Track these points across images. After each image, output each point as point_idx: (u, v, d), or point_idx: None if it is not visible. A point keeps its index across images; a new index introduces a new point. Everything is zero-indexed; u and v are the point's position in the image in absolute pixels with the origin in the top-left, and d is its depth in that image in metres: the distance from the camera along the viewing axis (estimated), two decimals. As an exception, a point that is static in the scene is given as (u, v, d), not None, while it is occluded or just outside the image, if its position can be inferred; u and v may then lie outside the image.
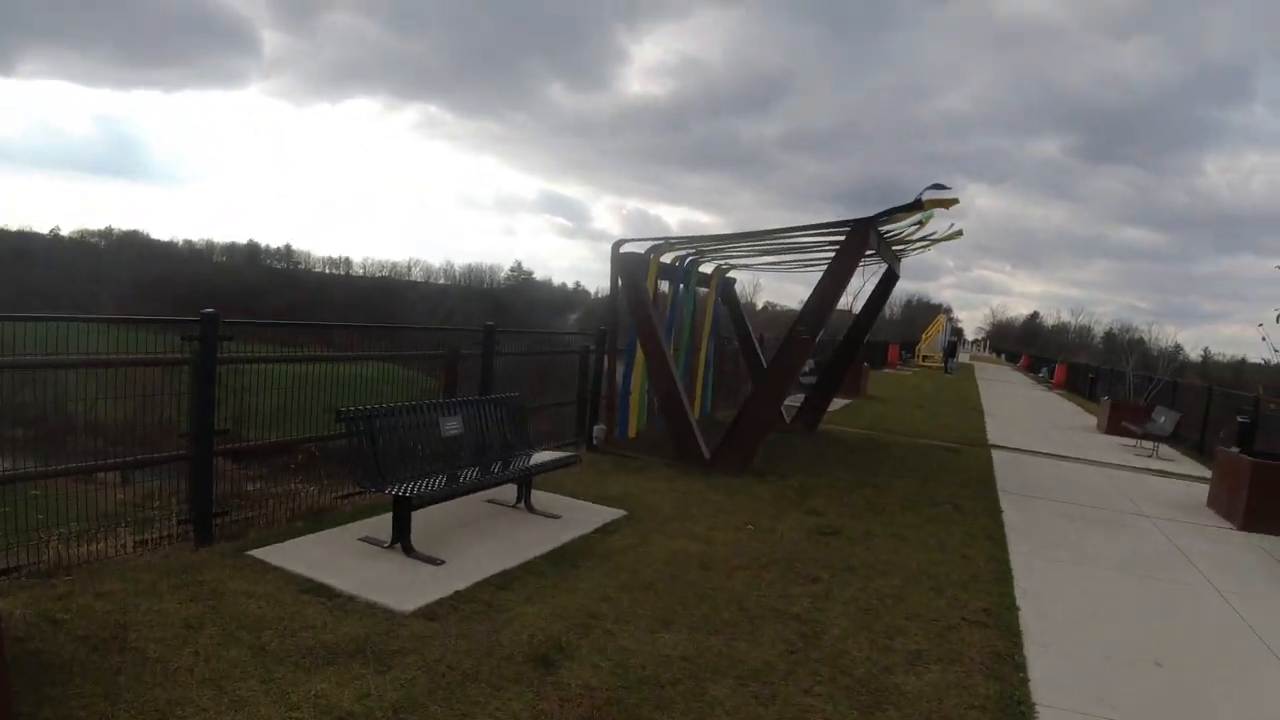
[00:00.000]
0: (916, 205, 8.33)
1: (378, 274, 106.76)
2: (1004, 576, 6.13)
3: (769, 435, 9.77)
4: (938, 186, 8.26)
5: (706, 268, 11.96)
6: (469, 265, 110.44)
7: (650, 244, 9.64)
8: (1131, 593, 6.16)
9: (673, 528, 6.51)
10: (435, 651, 3.93)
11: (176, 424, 5.49)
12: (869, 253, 9.91)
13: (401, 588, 4.71)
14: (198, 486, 5.44)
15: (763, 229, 8.94)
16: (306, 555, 5.15)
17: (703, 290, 12.32)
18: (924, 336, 50.54)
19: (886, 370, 36.58)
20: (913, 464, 10.97)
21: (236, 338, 5.70)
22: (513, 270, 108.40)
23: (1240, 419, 11.59)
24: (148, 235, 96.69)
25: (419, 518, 5.44)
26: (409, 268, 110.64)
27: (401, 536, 5.27)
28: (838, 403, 18.02)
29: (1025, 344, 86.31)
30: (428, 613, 4.39)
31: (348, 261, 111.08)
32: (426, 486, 5.35)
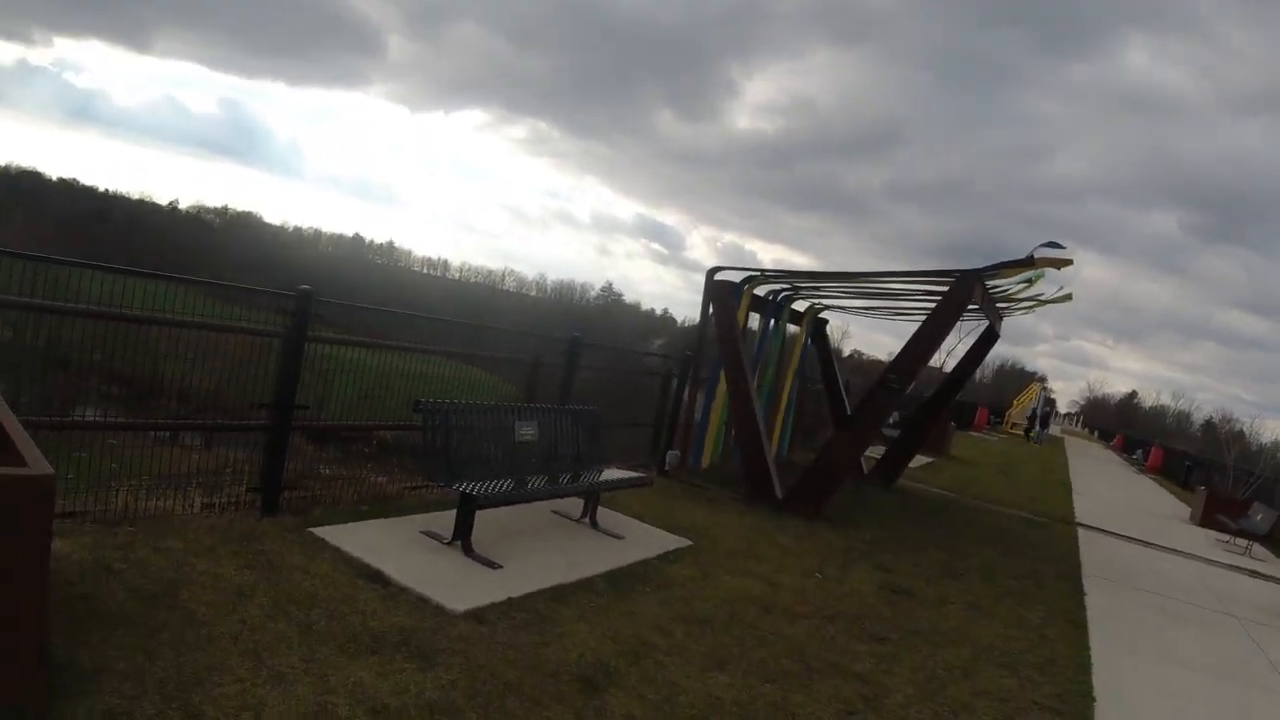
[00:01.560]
0: (1028, 262, 7.98)
1: (473, 279, 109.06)
2: (1082, 663, 5.72)
3: (845, 483, 9.45)
4: (1052, 244, 7.91)
5: (799, 305, 11.72)
6: (561, 281, 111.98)
7: (745, 275, 9.48)
8: (1213, 696, 5.73)
9: (737, 564, 6.29)
10: (480, 656, 3.81)
11: (259, 399, 5.56)
12: (971, 307, 9.55)
13: (455, 586, 4.62)
14: (271, 458, 5.48)
15: (861, 270, 8.69)
16: (366, 540, 5.12)
17: (793, 328, 12.08)
18: (1016, 403, 48.88)
19: (972, 433, 35.45)
20: (993, 532, 10.48)
21: (328, 320, 5.77)
22: (603, 290, 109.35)
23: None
24: (260, 217, 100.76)
25: (481, 519, 5.37)
26: (503, 276, 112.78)
27: (462, 535, 5.20)
28: (919, 460, 17.44)
29: (1121, 423, 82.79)
30: (478, 615, 4.29)
31: (446, 264, 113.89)
32: (494, 488, 5.28)
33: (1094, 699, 5.08)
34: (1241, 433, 27.13)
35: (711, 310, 9.28)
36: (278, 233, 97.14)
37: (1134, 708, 5.12)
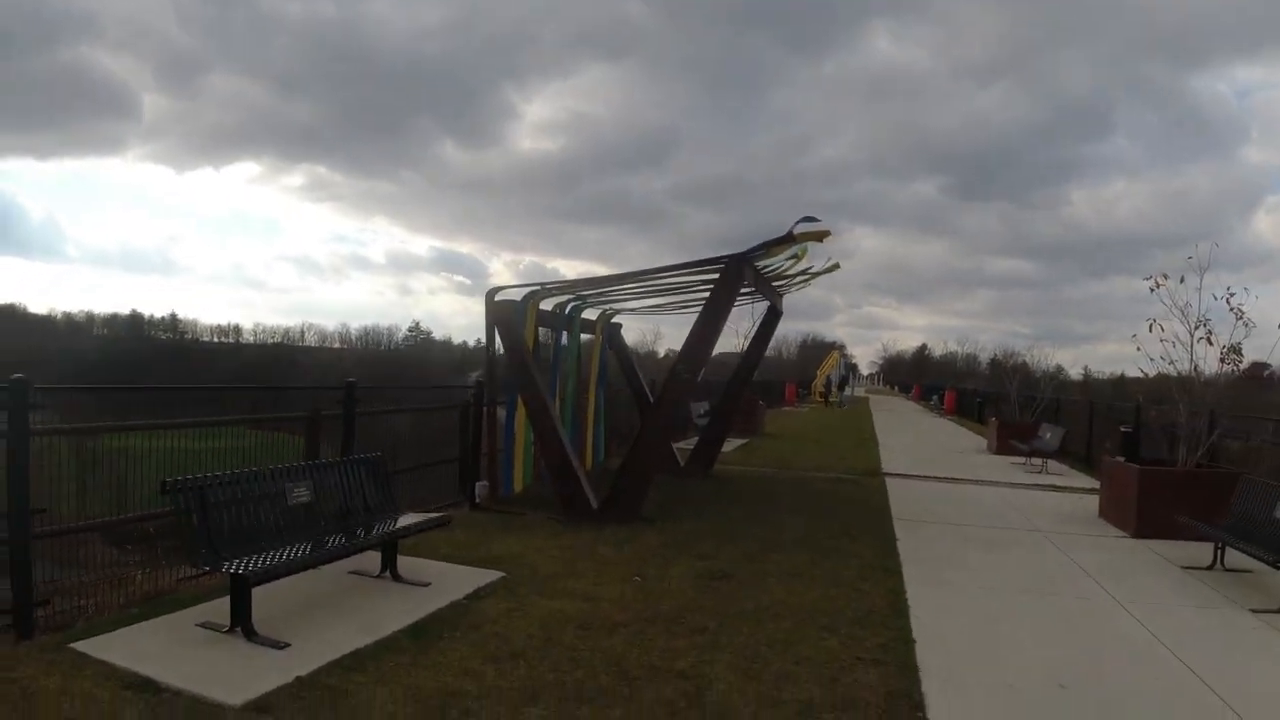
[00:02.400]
0: (788, 239, 8.24)
1: (269, 341, 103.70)
2: (900, 609, 5.91)
3: (658, 480, 9.47)
4: (808, 219, 8.20)
5: (591, 314, 11.68)
6: (365, 328, 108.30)
7: (527, 290, 9.30)
8: (1030, 614, 6.02)
9: (554, 586, 6.08)
10: (261, 752, 3.41)
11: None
12: (749, 289, 9.79)
13: (236, 677, 4.16)
14: (15, 574, 4.79)
15: (639, 269, 8.71)
16: (135, 646, 4.57)
17: (589, 337, 12.03)
18: (819, 373, 51.45)
19: (784, 408, 36.96)
20: (808, 499, 10.82)
21: (53, 405, 5.13)
22: (410, 331, 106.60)
23: (1123, 429, 11.88)
24: (25, 309, 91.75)
25: (267, 597, 4.92)
26: (302, 333, 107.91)
27: (242, 619, 4.71)
28: (734, 442, 17.91)
29: (916, 375, 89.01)
30: (261, 704, 3.86)
31: (237, 330, 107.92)
32: (269, 560, 4.81)
33: (913, 640, 5.20)
34: (1024, 364, 29.54)
35: (497, 332, 9.02)
36: (44, 323, 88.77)
37: (953, 641, 5.27)
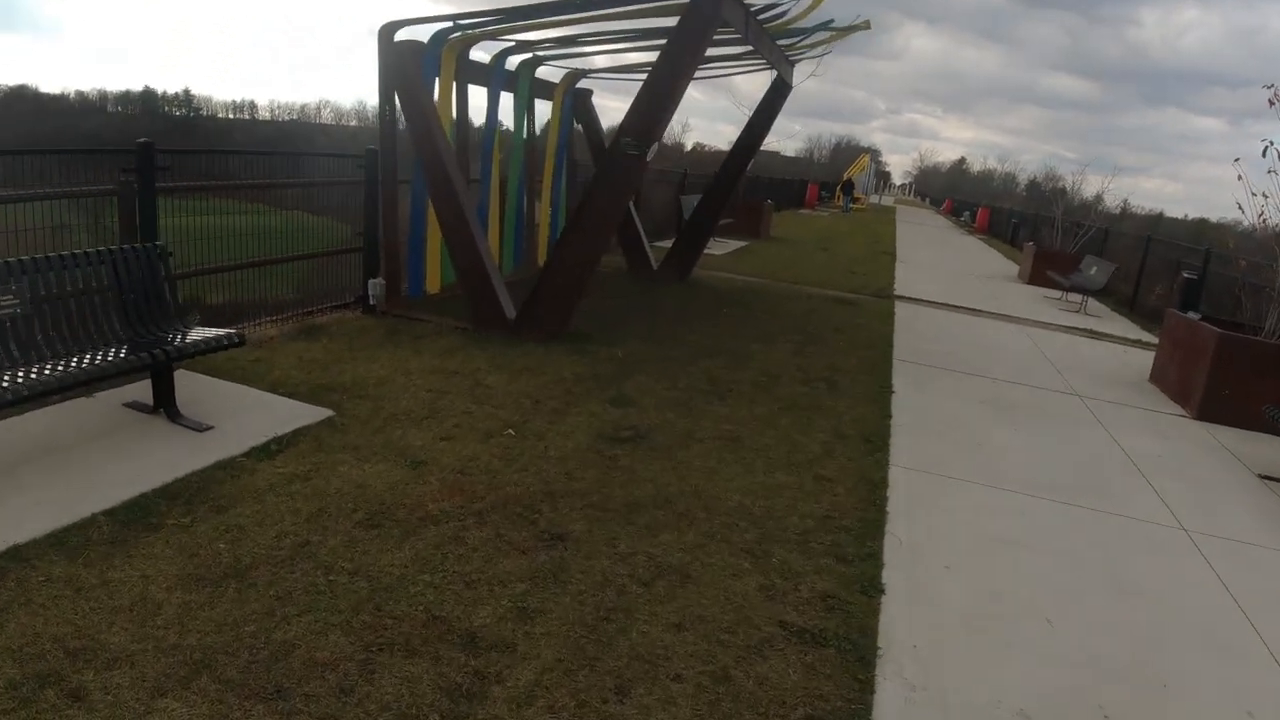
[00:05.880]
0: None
1: (285, 118, 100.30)
2: (873, 518, 3.99)
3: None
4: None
5: (549, 75, 9.38)
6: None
7: (438, 28, 6.98)
8: (1065, 543, 4.09)
9: (386, 438, 4.31)
10: None
11: None
12: (733, 37, 7.46)
13: None
14: None
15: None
16: None
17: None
18: (846, 175, 48.37)
19: (802, 211, 34.46)
20: (794, 322, 8.93)
21: None
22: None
23: (1186, 275, 9.77)
24: (36, 89, 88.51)
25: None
26: (318, 109, 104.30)
27: None
28: (731, 245, 15.96)
29: (951, 189, 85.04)
30: None
31: (252, 105, 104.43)
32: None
33: (881, 588, 3.31)
34: (1064, 190, 26.63)
35: (396, 90, 6.83)
36: (56, 102, 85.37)
37: (942, 595, 3.35)
